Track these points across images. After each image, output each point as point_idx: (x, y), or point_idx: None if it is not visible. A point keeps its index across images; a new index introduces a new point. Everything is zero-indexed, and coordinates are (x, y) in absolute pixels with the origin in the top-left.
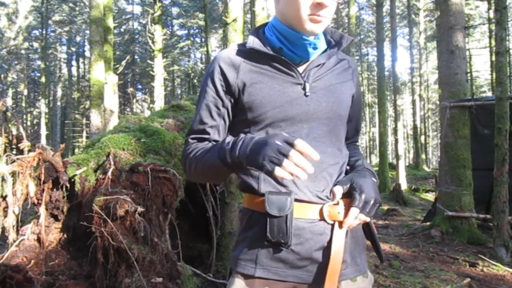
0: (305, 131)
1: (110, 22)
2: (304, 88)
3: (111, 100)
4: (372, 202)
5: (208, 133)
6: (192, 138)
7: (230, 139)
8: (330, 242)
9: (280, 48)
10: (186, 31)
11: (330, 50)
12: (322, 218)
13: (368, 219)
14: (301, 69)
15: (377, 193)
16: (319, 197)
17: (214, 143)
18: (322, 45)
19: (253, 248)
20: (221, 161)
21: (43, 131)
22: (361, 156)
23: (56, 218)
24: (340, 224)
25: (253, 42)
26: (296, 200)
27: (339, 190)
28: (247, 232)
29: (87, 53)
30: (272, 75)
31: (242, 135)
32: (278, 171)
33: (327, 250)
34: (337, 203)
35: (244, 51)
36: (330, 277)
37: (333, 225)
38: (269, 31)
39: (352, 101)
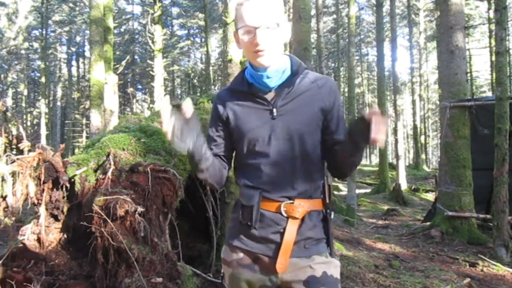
0: (273, 147)
1: (110, 22)
2: (271, 113)
3: (111, 100)
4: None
5: (212, 148)
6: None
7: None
8: (284, 229)
9: (251, 83)
10: (186, 31)
11: (293, 78)
12: (279, 212)
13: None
14: (270, 97)
15: None
16: (281, 196)
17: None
18: (279, 75)
19: (236, 227)
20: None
21: (43, 131)
22: None
23: (56, 218)
24: (293, 218)
25: (235, 82)
26: (264, 197)
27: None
28: (233, 214)
29: (87, 53)
30: (248, 105)
31: None
32: None
33: (282, 234)
34: (293, 203)
35: (230, 89)
36: (282, 254)
37: (288, 218)
38: (247, 70)
39: (324, 112)
